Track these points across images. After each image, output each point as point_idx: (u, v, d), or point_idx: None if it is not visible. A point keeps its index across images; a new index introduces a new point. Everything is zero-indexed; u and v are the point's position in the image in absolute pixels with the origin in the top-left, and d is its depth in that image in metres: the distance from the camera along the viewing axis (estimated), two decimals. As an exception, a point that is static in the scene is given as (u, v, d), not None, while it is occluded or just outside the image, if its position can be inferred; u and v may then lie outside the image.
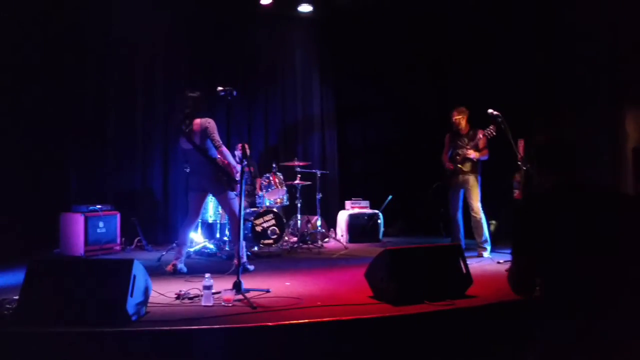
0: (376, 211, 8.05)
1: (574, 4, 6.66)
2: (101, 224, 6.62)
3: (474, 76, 7.96)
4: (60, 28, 7.06)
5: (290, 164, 7.55)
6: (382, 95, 9.19)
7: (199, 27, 8.13)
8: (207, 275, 3.87)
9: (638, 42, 5.95)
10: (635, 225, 2.04)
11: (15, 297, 3.39)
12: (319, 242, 7.51)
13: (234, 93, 4.67)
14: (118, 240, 6.86)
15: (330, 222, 8.38)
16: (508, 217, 7.04)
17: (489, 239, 6.19)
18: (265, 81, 8.85)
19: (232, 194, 5.40)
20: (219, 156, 5.34)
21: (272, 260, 6.35)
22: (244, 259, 5.26)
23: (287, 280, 4.84)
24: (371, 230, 7.96)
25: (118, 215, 6.89)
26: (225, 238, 6.64)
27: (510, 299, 3.79)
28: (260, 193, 7.14)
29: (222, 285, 4.11)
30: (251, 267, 5.43)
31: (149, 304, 3.65)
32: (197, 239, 6.84)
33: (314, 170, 7.66)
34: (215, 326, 3.24)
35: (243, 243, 5.19)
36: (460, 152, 6.27)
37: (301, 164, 7.54)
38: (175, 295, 4.03)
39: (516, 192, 6.21)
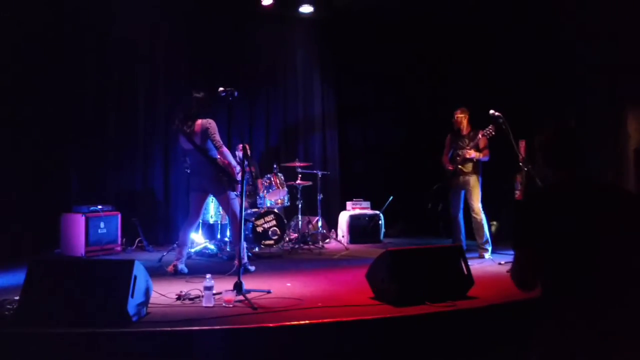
0: (377, 212, 8.05)
1: (575, 4, 6.65)
2: (102, 225, 6.61)
3: (474, 77, 7.96)
4: (60, 28, 7.06)
5: (291, 164, 7.54)
6: (383, 95, 9.19)
7: (199, 27, 8.12)
8: (208, 276, 3.87)
9: (639, 42, 5.94)
10: (637, 223, 2.03)
11: (15, 298, 3.39)
12: (320, 243, 7.50)
13: (235, 93, 4.67)
14: (119, 241, 6.85)
15: (331, 223, 8.37)
16: (509, 218, 7.03)
17: (490, 240, 6.18)
18: (266, 82, 8.84)
19: (232, 195, 5.40)
20: (219, 157, 5.33)
21: (273, 261, 6.34)
22: (245, 260, 5.26)
23: (288, 281, 4.83)
24: (372, 231, 7.95)
25: (119, 216, 6.88)
26: (226, 239, 6.64)
27: (512, 300, 3.80)
28: (261, 194, 7.13)
29: (223, 286, 4.11)
30: (252, 268, 5.43)
31: (149, 305, 3.65)
32: (198, 239, 6.84)
33: (314, 171, 7.65)
34: (216, 327, 3.23)
35: (244, 244, 5.19)
36: (460, 152, 6.26)
37: (302, 164, 7.54)
38: (176, 296, 4.02)
39: (517, 193, 6.22)
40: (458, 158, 6.27)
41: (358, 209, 8.12)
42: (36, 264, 3.42)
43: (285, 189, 7.25)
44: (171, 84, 7.90)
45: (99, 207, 6.67)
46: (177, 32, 8.00)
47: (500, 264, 5.61)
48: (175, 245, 5.91)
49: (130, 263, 3.35)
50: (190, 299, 3.96)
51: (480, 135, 6.11)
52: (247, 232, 6.75)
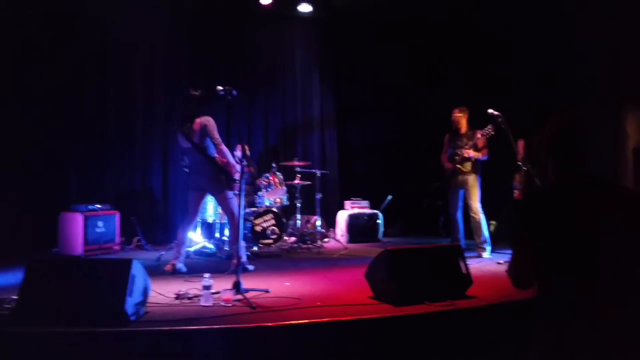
0: (376, 211, 8.04)
1: (575, 5, 6.66)
2: (100, 224, 6.61)
3: (474, 76, 7.96)
4: (60, 27, 7.05)
5: (290, 163, 7.54)
6: (382, 95, 9.19)
7: (198, 27, 8.11)
8: (206, 275, 3.86)
9: (638, 42, 5.94)
10: (638, 224, 2.01)
11: (14, 297, 3.38)
12: (319, 242, 7.50)
13: (234, 92, 4.66)
14: (117, 240, 6.85)
15: (330, 222, 8.37)
16: (508, 218, 7.04)
17: (488, 240, 6.18)
18: (265, 81, 8.84)
19: (230, 194, 5.39)
20: (217, 155, 5.33)
21: (271, 260, 6.34)
22: (244, 259, 5.25)
23: (287, 281, 4.83)
24: (371, 230, 7.95)
25: (117, 215, 6.88)
26: (225, 238, 6.63)
27: (510, 299, 3.79)
28: (260, 193, 7.13)
29: (222, 285, 4.10)
30: (251, 267, 5.42)
31: (148, 304, 3.64)
32: (196, 238, 6.83)
33: (313, 170, 7.65)
34: (215, 326, 3.23)
35: (242, 243, 5.18)
36: (459, 152, 6.26)
37: (301, 163, 7.54)
38: (175, 295, 4.02)
39: (516, 193, 6.21)
40: (457, 157, 6.26)
41: (357, 208, 8.12)
42: (34, 263, 3.41)
43: (284, 188, 7.25)
44: (170, 83, 7.90)
45: (98, 206, 6.67)
46: (176, 32, 7.99)
47: (498, 263, 5.62)
48: (173, 244, 5.91)
49: (129, 262, 3.34)
50: (189, 298, 3.96)
51: (479, 135, 6.11)
52: (245, 231, 6.75)
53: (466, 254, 4.27)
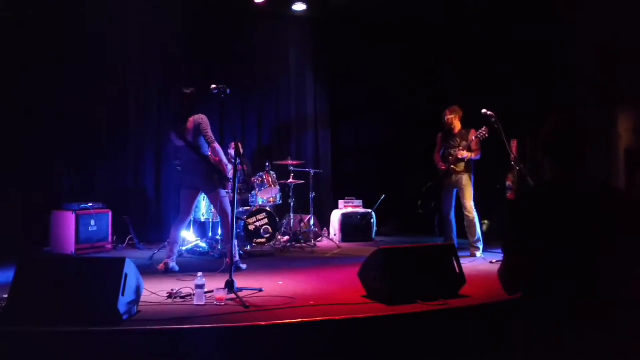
0: (369, 210, 8.05)
1: (568, 7, 6.68)
2: (92, 222, 6.58)
3: (468, 77, 7.97)
4: (54, 26, 7.00)
5: (284, 162, 7.53)
6: (376, 95, 9.19)
7: (193, 25, 8.08)
8: (199, 274, 3.86)
9: (631, 43, 5.97)
10: (634, 225, 2.00)
11: (4, 296, 3.36)
12: (312, 241, 7.49)
13: (228, 91, 4.65)
14: (109, 239, 6.82)
15: (323, 221, 8.37)
16: (501, 217, 7.06)
17: (481, 239, 6.20)
18: (260, 80, 8.82)
19: (223, 193, 5.38)
20: (210, 153, 5.32)
21: (264, 260, 6.33)
22: (237, 258, 5.24)
23: (280, 280, 4.82)
24: (364, 229, 7.96)
25: (110, 214, 6.85)
26: (218, 237, 6.61)
27: (503, 298, 3.80)
28: (254, 192, 7.11)
29: (215, 284, 4.09)
30: (244, 266, 5.41)
31: (140, 303, 3.62)
32: (189, 237, 6.81)
33: (307, 169, 7.65)
34: (208, 325, 3.22)
35: (235, 242, 5.17)
36: (452, 152, 6.27)
37: (294, 163, 7.53)
38: (167, 294, 4.00)
39: (509, 192, 6.24)
40: (450, 158, 6.27)
41: (350, 208, 8.13)
42: (25, 262, 3.39)
43: (278, 187, 7.24)
44: (164, 82, 7.88)
45: (90, 204, 6.64)
46: (169, 30, 7.94)
47: (491, 262, 5.65)
48: (166, 243, 5.88)
49: (121, 261, 3.33)
50: (182, 297, 3.95)
51: (473, 137, 6.11)
52: (238, 230, 6.74)
53: (459, 254, 4.27)
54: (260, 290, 4.22)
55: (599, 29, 6.32)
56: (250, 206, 7.13)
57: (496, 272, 2.17)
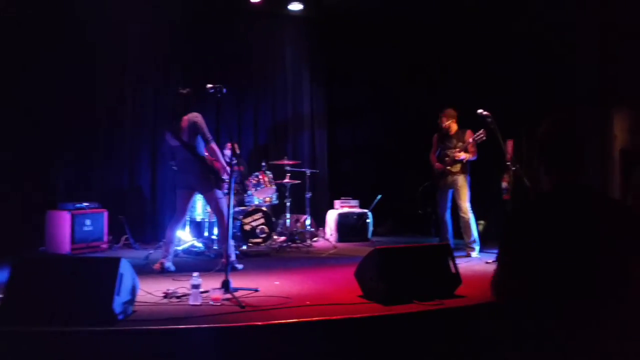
0: (365, 210, 8.05)
1: (562, 7, 6.69)
2: (88, 222, 6.56)
3: (464, 77, 7.98)
4: (52, 27, 6.98)
5: (280, 162, 7.53)
6: (373, 95, 9.19)
7: (188, 25, 8.07)
8: (195, 274, 3.85)
9: (625, 43, 5.99)
10: (631, 238, 1.97)
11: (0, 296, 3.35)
12: (308, 241, 7.49)
13: (224, 90, 4.65)
14: (105, 238, 6.81)
15: (319, 221, 8.37)
16: (497, 218, 7.07)
17: (477, 239, 6.21)
18: (256, 80, 8.82)
19: (219, 193, 5.38)
20: (207, 152, 5.31)
21: (260, 260, 6.32)
22: (233, 258, 5.24)
23: (276, 280, 4.82)
24: (360, 229, 7.96)
25: (105, 213, 6.83)
26: (214, 237, 6.61)
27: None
28: (249, 192, 7.10)
29: (211, 284, 4.08)
30: (240, 266, 5.40)
31: (136, 303, 3.61)
32: (185, 237, 6.80)
33: (303, 169, 7.64)
34: (203, 325, 3.21)
35: (231, 242, 5.16)
36: (448, 153, 6.28)
37: (291, 162, 7.53)
38: (163, 294, 3.99)
39: (505, 193, 6.25)
40: (447, 159, 6.28)
41: (346, 208, 8.13)
42: (20, 262, 3.38)
43: (274, 187, 7.23)
44: (160, 81, 7.86)
45: (85, 204, 6.62)
46: (166, 30, 7.93)
47: (487, 262, 5.66)
48: (162, 243, 5.87)
49: (117, 261, 3.32)
50: (177, 297, 3.94)
51: (470, 140, 6.12)
52: (234, 230, 6.73)
53: (455, 254, 4.28)
54: (256, 290, 4.21)
55: (595, 29, 6.34)
56: (247, 206, 7.12)
57: (492, 272, 2.14)
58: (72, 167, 7.26)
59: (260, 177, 7.10)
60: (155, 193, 7.90)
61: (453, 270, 4.09)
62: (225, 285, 3.98)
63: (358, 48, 8.90)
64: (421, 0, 8.00)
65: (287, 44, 9.13)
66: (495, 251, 2.14)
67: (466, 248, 6.21)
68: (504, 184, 6.05)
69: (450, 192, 6.34)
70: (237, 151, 7.39)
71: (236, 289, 4.04)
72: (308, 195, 7.62)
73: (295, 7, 8.66)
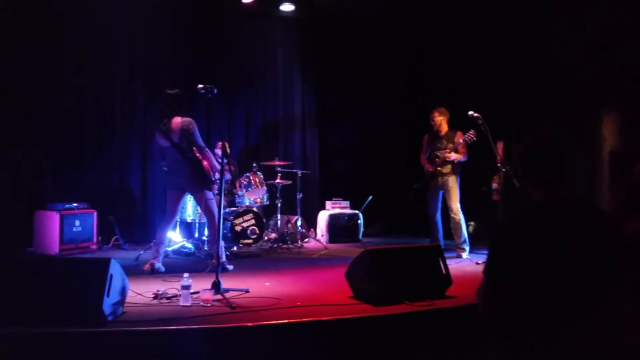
0: (356, 211, 8.06)
1: (550, 10, 6.74)
2: (77, 223, 6.51)
3: (455, 78, 8.01)
4: (38, 23, 6.92)
5: (271, 163, 7.52)
6: (364, 96, 9.20)
7: (179, 25, 8.05)
8: (185, 275, 3.83)
9: (614, 45, 6.04)
10: (619, 250, 1.95)
11: (-13, 297, 3.31)
12: (299, 242, 7.49)
13: (215, 91, 4.64)
14: (94, 239, 6.76)
15: (310, 222, 8.36)
16: (487, 219, 7.11)
17: (467, 240, 6.23)
18: (247, 80, 8.80)
19: (210, 194, 5.36)
20: (204, 161, 5.31)
21: (251, 260, 6.31)
22: (223, 259, 5.22)
23: (267, 281, 4.81)
24: (351, 230, 7.97)
25: (95, 214, 6.79)
26: (204, 237, 6.58)
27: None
28: (240, 192, 7.08)
29: (201, 285, 4.06)
30: (230, 267, 5.39)
31: (126, 304, 3.59)
32: (175, 238, 6.77)
33: (294, 170, 7.64)
34: (194, 326, 3.20)
35: (222, 243, 5.15)
36: (439, 154, 6.30)
37: (282, 163, 7.52)
38: (153, 295, 3.97)
39: (495, 195, 6.28)
40: (437, 160, 6.30)
41: (337, 209, 8.13)
42: (8, 263, 3.35)
43: (265, 187, 7.22)
44: (151, 82, 7.82)
45: (74, 204, 6.57)
46: (157, 30, 7.90)
47: (477, 263, 5.69)
48: (152, 243, 5.84)
49: (106, 262, 3.29)
50: (168, 298, 3.92)
51: (460, 140, 6.15)
52: (225, 231, 6.71)
53: (446, 255, 4.29)
54: (247, 291, 4.20)
55: (584, 31, 6.38)
56: (237, 207, 7.11)
57: (482, 273, 2.15)
58: (61, 167, 7.19)
59: (251, 177, 7.09)
60: (145, 194, 7.86)
61: (444, 271, 4.10)
62: (216, 286, 3.96)
63: (349, 49, 8.91)
64: (411, 1, 8.02)
65: (279, 45, 9.12)
66: (486, 252, 2.14)
67: (457, 249, 6.23)
68: (495, 185, 6.08)
69: (440, 193, 6.37)
70: (228, 151, 7.35)
71: (227, 290, 4.03)
72: (299, 196, 7.62)
73: (287, 7, 8.66)
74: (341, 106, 9.37)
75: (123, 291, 3.52)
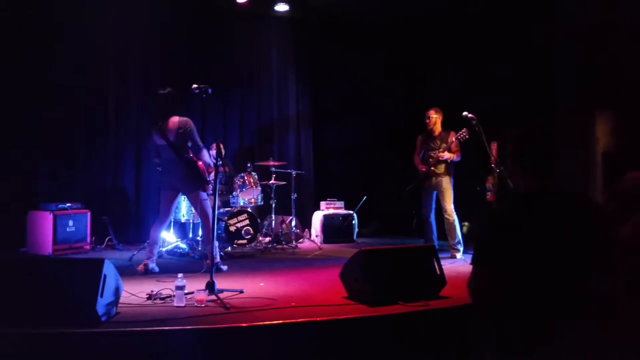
0: (351, 212, 8.07)
1: (544, 11, 6.76)
2: (71, 223, 6.48)
3: (449, 79, 8.03)
4: (30, 23, 6.89)
5: (265, 163, 7.51)
6: (358, 96, 9.21)
7: (174, 25, 8.02)
8: (179, 275, 3.82)
9: (607, 46, 6.06)
10: (606, 239, 1.99)
11: (-21, 298, 3.29)
12: (294, 243, 7.48)
13: (209, 91, 4.63)
14: (88, 239, 6.73)
15: (304, 223, 8.36)
16: (481, 219, 7.12)
17: (461, 241, 6.25)
18: (241, 80, 8.79)
19: (204, 195, 5.35)
20: (198, 155, 5.29)
21: (245, 261, 6.30)
22: (217, 259, 5.21)
23: (261, 281, 4.80)
24: (346, 230, 7.97)
25: (88, 214, 6.76)
26: (198, 238, 6.57)
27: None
28: (235, 193, 7.07)
29: (195, 286, 4.05)
30: (224, 268, 5.38)
31: (119, 305, 3.58)
32: (169, 238, 6.74)
33: (289, 170, 7.64)
34: (188, 327, 3.19)
35: (216, 243, 5.14)
36: (432, 154, 6.31)
37: (276, 163, 7.51)
38: (147, 296, 3.96)
39: (489, 195, 6.30)
40: (431, 160, 6.32)
41: (332, 209, 8.13)
42: (0, 263, 3.33)
43: (259, 188, 7.21)
44: (144, 82, 7.81)
45: (68, 204, 6.54)
46: (150, 30, 7.87)
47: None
48: (146, 244, 5.82)
49: (100, 262, 3.29)
50: (162, 299, 3.91)
51: (453, 139, 6.17)
52: (219, 232, 6.70)
53: (440, 255, 4.30)
54: (241, 292, 4.19)
55: (576, 30, 6.40)
56: (232, 207, 7.10)
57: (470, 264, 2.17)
58: (54, 167, 7.16)
59: (246, 178, 7.08)
60: (139, 194, 7.83)
61: (438, 271, 4.11)
62: (210, 287, 3.96)
63: (344, 49, 8.91)
64: (405, 1, 8.03)
65: (273, 45, 9.12)
66: (475, 242, 2.17)
67: (451, 249, 6.25)
68: (489, 186, 6.11)
69: (434, 193, 6.38)
70: (223, 152, 7.35)
71: (221, 291, 4.02)
72: (293, 196, 7.62)
73: (281, 7, 8.66)
74: (335, 106, 9.38)
75: (117, 291, 3.51)
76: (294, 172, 7.63)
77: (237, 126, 8.78)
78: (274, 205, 7.43)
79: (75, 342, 3.01)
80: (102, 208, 7.15)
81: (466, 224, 7.23)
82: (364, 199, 8.06)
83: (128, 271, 5.14)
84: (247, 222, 6.93)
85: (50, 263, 4.52)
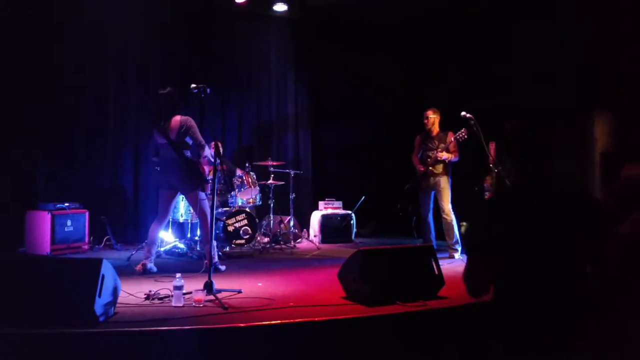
0: (349, 212, 8.07)
1: (542, 11, 6.76)
2: (69, 222, 6.48)
3: (448, 79, 8.03)
4: (30, 23, 6.88)
5: (264, 163, 7.51)
6: (357, 96, 9.21)
7: (173, 24, 8.01)
8: (177, 275, 3.82)
9: (605, 46, 6.06)
10: (599, 230, 2.02)
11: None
12: (292, 243, 7.48)
13: (208, 91, 4.64)
14: (86, 239, 6.73)
15: (303, 223, 8.36)
16: (475, 212, 7.11)
17: (459, 241, 6.26)
18: (240, 80, 8.79)
19: (202, 195, 5.35)
20: (203, 156, 5.29)
21: (244, 261, 6.30)
22: (216, 259, 5.21)
23: (259, 281, 4.80)
24: (344, 230, 7.97)
25: (86, 214, 6.75)
26: (196, 238, 6.57)
27: (482, 300, 3.84)
28: (234, 192, 7.07)
29: (193, 286, 4.05)
30: (222, 268, 5.38)
31: (117, 305, 3.58)
32: (167, 238, 6.74)
33: (287, 170, 7.64)
34: (186, 327, 3.19)
35: (214, 243, 5.14)
36: (430, 154, 6.32)
37: (275, 163, 7.51)
38: (145, 296, 3.96)
39: (487, 195, 6.30)
40: (429, 160, 6.32)
41: (330, 209, 8.14)
42: (-1, 263, 3.33)
43: (257, 188, 7.21)
44: (143, 82, 7.79)
45: (66, 204, 6.54)
46: (149, 30, 7.86)
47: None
48: (144, 243, 5.82)
49: (98, 262, 3.28)
50: (160, 299, 3.91)
51: (452, 138, 6.18)
52: (217, 231, 6.69)
53: (438, 255, 4.31)
54: (239, 292, 4.19)
55: (572, 30, 6.40)
56: (230, 207, 7.09)
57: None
58: (53, 167, 7.15)
59: (244, 177, 7.08)
60: (137, 193, 7.83)
61: (436, 271, 4.12)
62: (208, 287, 3.96)
63: (343, 49, 8.92)
64: (404, 1, 8.03)
65: (272, 45, 9.12)
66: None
67: (449, 249, 6.25)
68: (487, 186, 6.11)
69: (432, 193, 6.39)
70: (221, 151, 7.34)
71: (219, 291, 4.02)
72: (292, 196, 7.62)
73: (280, 7, 8.65)
74: (334, 106, 9.38)
75: (115, 291, 3.51)
76: (292, 172, 7.63)
77: (236, 126, 8.79)
78: (272, 205, 7.43)
79: (73, 342, 3.01)
80: (101, 208, 7.15)
81: (464, 223, 7.23)
82: (362, 199, 8.06)
83: (126, 271, 5.14)
84: (245, 222, 6.93)
85: (48, 263, 4.52)
